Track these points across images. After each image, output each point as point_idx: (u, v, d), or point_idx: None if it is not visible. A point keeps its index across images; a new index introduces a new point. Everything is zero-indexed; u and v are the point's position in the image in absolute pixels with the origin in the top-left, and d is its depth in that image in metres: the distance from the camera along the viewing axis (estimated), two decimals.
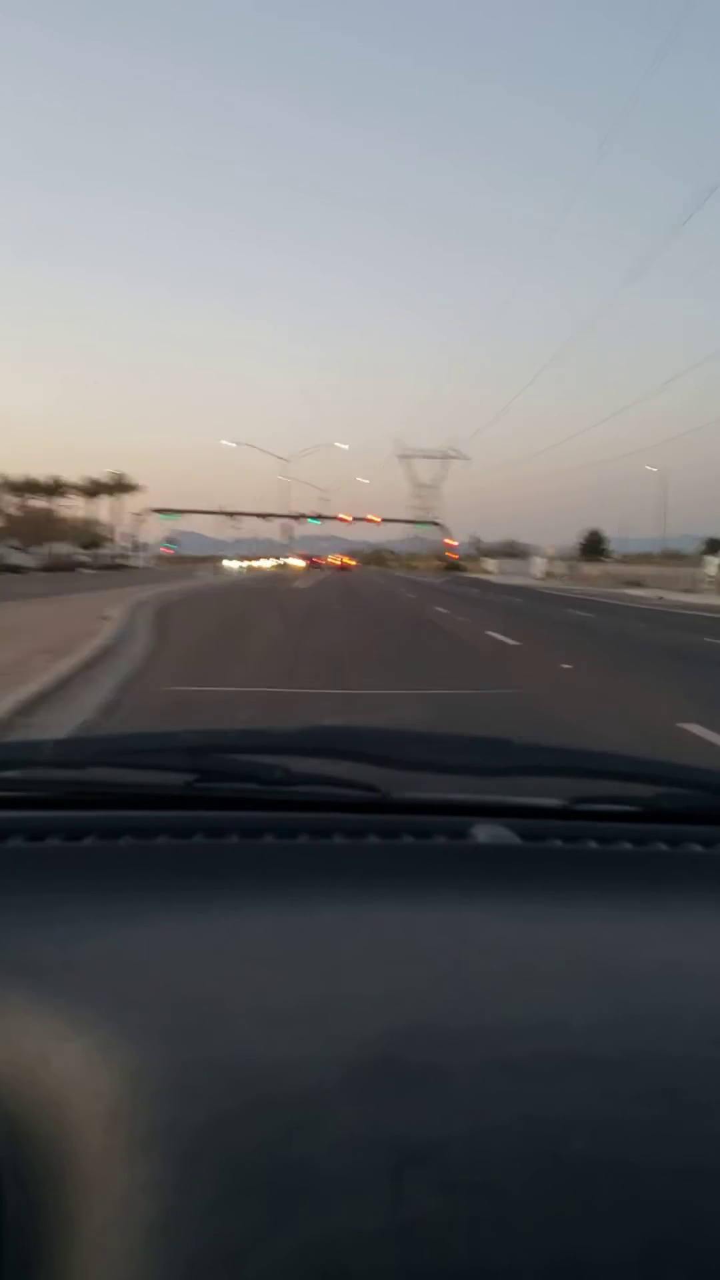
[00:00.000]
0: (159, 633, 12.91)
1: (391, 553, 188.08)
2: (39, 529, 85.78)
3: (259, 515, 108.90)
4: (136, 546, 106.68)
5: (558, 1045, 0.57)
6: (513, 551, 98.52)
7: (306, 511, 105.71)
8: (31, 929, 0.73)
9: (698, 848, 1.00)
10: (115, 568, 78.62)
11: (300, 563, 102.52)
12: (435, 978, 0.66)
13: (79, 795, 1.07)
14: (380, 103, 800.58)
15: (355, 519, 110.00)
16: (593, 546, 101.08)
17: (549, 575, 63.15)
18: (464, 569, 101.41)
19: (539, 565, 67.17)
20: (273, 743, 1.22)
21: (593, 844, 0.98)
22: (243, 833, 0.97)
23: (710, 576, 40.91)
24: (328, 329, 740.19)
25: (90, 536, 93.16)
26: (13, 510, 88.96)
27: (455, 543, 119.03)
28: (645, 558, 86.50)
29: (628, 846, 0.99)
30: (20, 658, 8.99)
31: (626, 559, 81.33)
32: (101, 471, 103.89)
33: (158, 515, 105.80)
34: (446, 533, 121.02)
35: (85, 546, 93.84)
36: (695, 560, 52.85)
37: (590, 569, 69.94)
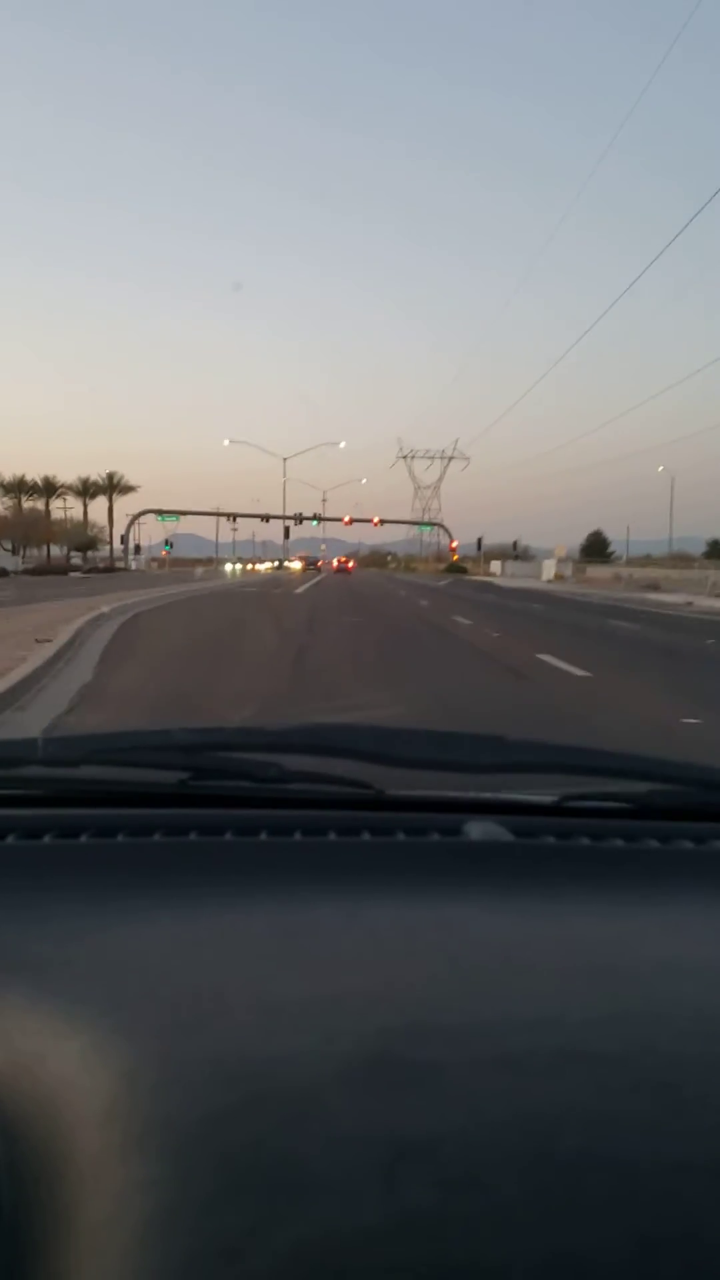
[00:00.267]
0: (106, 666, 9.75)
1: (390, 554, 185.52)
2: (29, 531, 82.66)
3: (258, 517, 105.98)
4: (135, 549, 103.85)
5: (551, 1041, 0.58)
6: (516, 554, 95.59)
7: (305, 513, 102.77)
8: (26, 927, 0.73)
9: (689, 844, 1.00)
10: (108, 571, 75.76)
11: (298, 565, 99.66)
12: (429, 974, 0.66)
13: (74, 793, 1.08)
14: (385, 108, 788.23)
15: (354, 520, 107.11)
16: (596, 548, 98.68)
17: (558, 578, 60.23)
18: (466, 571, 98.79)
19: (548, 568, 64.23)
20: (267, 740, 1.23)
21: (585, 841, 0.99)
22: (237, 830, 0.97)
23: None
24: (329, 332, 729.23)
25: (84, 538, 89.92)
26: (3, 510, 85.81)
27: (457, 544, 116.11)
28: (650, 560, 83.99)
29: (620, 843, 0.99)
30: None
31: (632, 561, 78.55)
32: (96, 472, 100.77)
33: (155, 517, 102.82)
34: (448, 534, 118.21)
35: (79, 549, 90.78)
36: (703, 562, 50.22)
37: (597, 571, 67.19)
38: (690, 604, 29.24)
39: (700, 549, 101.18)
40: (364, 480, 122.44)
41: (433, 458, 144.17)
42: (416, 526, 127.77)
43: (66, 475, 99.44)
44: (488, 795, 1.11)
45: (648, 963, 0.71)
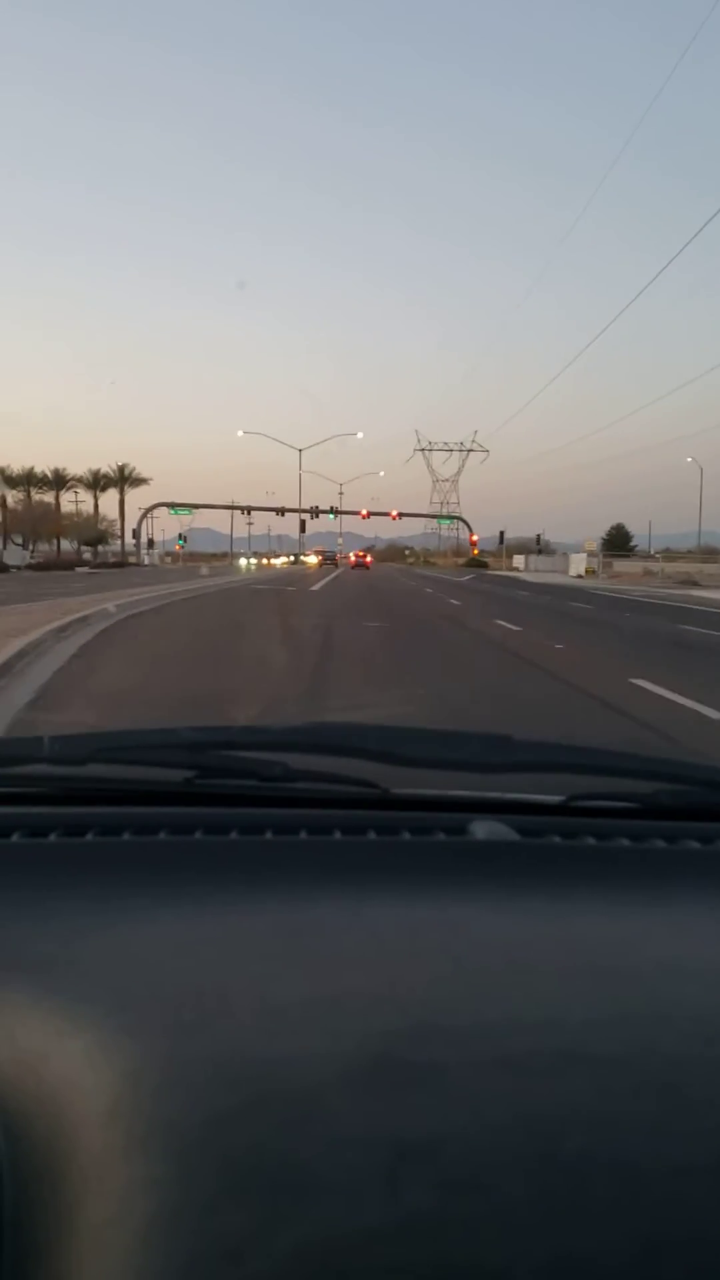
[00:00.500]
0: (52, 700, 7.06)
1: (408, 549, 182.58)
2: (37, 525, 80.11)
3: (273, 510, 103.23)
4: (148, 544, 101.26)
5: (555, 1042, 0.57)
6: (539, 548, 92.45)
7: (321, 507, 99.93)
8: (31, 925, 0.73)
9: (695, 844, 1.00)
10: (117, 566, 73.28)
11: (314, 559, 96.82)
12: (433, 975, 0.66)
13: (79, 791, 1.07)
14: (404, 104, 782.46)
15: (371, 514, 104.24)
16: (618, 542, 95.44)
17: (589, 573, 57.10)
18: (487, 565, 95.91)
19: (577, 562, 61.12)
20: (272, 739, 1.23)
21: (591, 840, 0.99)
22: (242, 829, 0.97)
23: None
24: (342, 326, 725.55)
25: (94, 533, 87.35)
26: (13, 504, 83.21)
27: (477, 538, 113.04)
28: (676, 554, 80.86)
29: (626, 843, 0.99)
30: None
31: (658, 555, 75.27)
32: (108, 464, 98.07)
33: (169, 510, 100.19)
34: (468, 528, 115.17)
35: (89, 543, 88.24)
36: None
37: (625, 566, 64.10)
38: None
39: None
40: (381, 473, 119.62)
41: (451, 450, 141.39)
42: (434, 520, 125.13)
43: (77, 468, 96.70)
44: (493, 795, 1.10)
45: (653, 963, 0.71)
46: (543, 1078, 0.54)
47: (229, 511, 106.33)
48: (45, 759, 1.09)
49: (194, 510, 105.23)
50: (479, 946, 0.72)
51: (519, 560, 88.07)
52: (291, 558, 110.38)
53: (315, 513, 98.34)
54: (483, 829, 0.99)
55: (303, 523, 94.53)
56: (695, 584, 42.34)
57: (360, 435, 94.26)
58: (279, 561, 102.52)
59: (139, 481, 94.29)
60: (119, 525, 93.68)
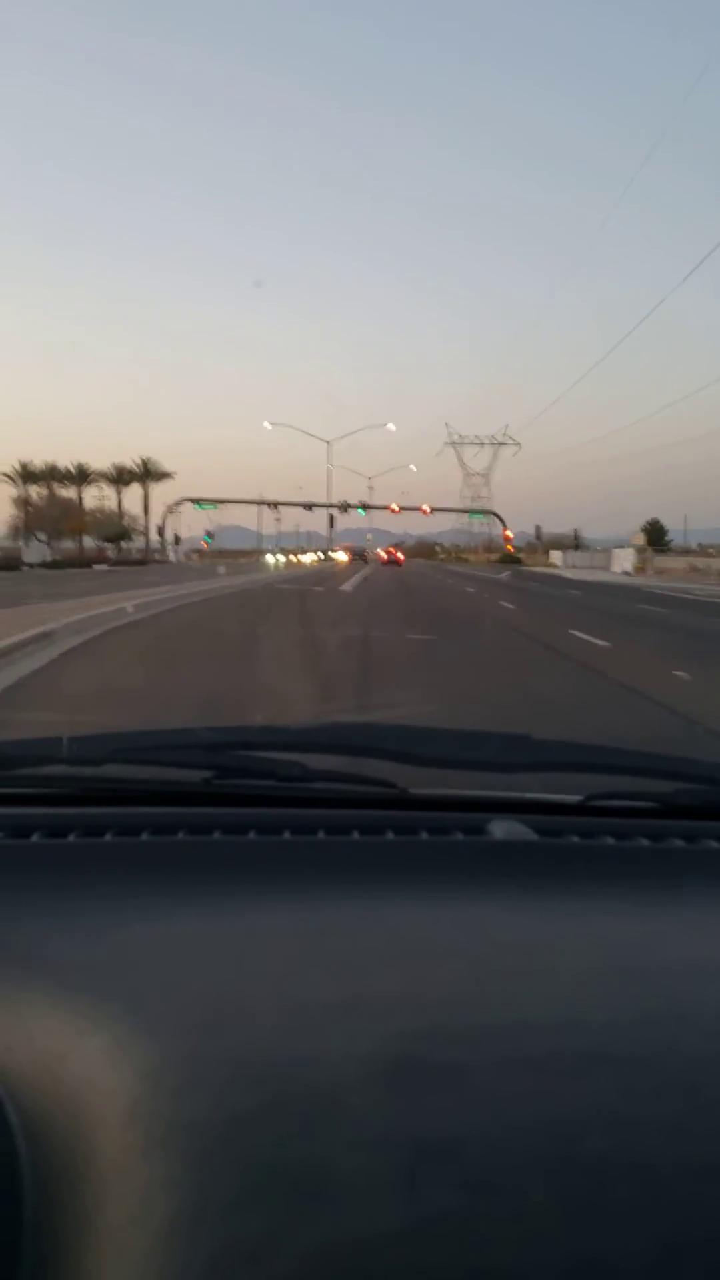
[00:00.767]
0: None
1: (438, 545, 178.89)
2: (56, 521, 77.52)
3: (301, 505, 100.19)
4: (174, 540, 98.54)
5: (575, 1043, 0.57)
6: (577, 543, 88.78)
7: (350, 502, 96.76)
8: (50, 925, 0.73)
9: (715, 844, 0.99)
10: (139, 563, 70.56)
11: (344, 556, 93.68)
12: (452, 975, 0.66)
13: (98, 792, 1.08)
14: (439, 103, 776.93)
15: (402, 509, 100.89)
16: (653, 537, 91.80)
17: (639, 569, 53.46)
18: (521, 561, 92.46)
19: (622, 558, 57.50)
20: (290, 740, 1.22)
21: (610, 840, 0.98)
22: (260, 829, 0.96)
23: None
24: (373, 322, 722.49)
25: (116, 529, 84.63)
26: (36, 499, 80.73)
27: (512, 534, 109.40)
28: (713, 548, 77.04)
29: (645, 843, 0.98)
30: None
31: (709, 550, 71.32)
32: (131, 458, 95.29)
33: (194, 506, 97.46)
34: (502, 522, 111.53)
35: (110, 540, 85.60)
36: None
37: (667, 562, 60.39)
38: None
39: None
40: (413, 467, 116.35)
41: (482, 443, 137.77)
42: (465, 515, 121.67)
43: (101, 464, 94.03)
44: (512, 795, 1.10)
45: (672, 963, 0.70)
46: (563, 1078, 0.53)
47: (257, 509, 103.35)
48: (64, 760, 1.08)
49: (220, 506, 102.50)
50: (498, 947, 0.71)
51: (556, 556, 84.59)
52: (320, 554, 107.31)
53: (344, 508, 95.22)
54: (501, 829, 0.99)
55: (331, 518, 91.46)
56: None
57: (391, 427, 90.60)
58: (307, 558, 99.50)
59: (162, 476, 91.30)
60: (142, 521, 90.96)
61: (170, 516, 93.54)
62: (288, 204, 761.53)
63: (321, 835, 0.96)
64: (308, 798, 1.06)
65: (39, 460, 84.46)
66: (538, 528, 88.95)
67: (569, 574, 54.93)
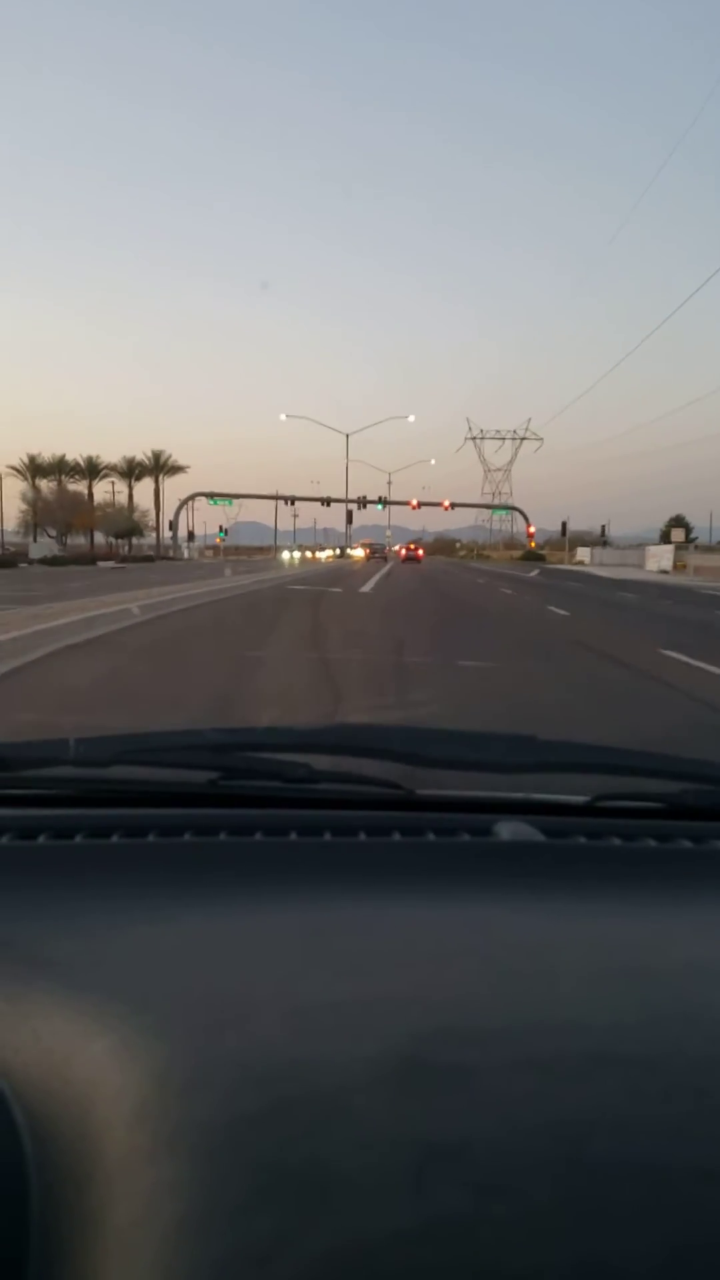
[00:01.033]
0: None
1: (457, 541, 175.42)
2: (62, 515, 74.61)
3: (318, 500, 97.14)
4: (188, 536, 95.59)
5: (582, 1044, 0.57)
6: (604, 540, 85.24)
7: (369, 497, 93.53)
8: (57, 926, 0.73)
9: None
10: (147, 560, 67.63)
11: (361, 553, 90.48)
12: (459, 976, 0.66)
13: (104, 793, 1.08)
14: (476, 108, 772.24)
15: (422, 504, 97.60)
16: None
17: (680, 567, 49.91)
18: (544, 559, 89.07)
19: (661, 555, 53.97)
20: (296, 740, 1.22)
21: (617, 841, 0.98)
22: (267, 830, 0.97)
23: None
24: (387, 319, 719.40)
25: (126, 524, 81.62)
26: (46, 494, 77.81)
27: (534, 529, 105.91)
28: None
29: (652, 844, 0.98)
30: None
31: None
32: (142, 451, 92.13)
33: (208, 501, 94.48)
34: (525, 518, 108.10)
35: (120, 535, 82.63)
36: None
37: (702, 560, 56.83)
38: None
39: None
40: (433, 461, 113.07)
41: (504, 438, 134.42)
42: (488, 511, 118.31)
43: (112, 457, 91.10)
44: (518, 795, 1.10)
45: (680, 965, 0.70)
46: (570, 1080, 0.53)
47: (274, 505, 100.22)
48: (70, 761, 1.08)
49: (234, 501, 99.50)
50: (505, 948, 0.71)
51: (584, 553, 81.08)
52: (337, 551, 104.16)
53: (363, 503, 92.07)
54: (508, 830, 0.99)
55: (349, 513, 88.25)
56: None
57: (412, 419, 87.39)
58: (324, 555, 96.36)
59: (175, 469, 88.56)
60: (153, 516, 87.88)
61: (185, 512, 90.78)
62: (304, 201, 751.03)
63: (328, 836, 0.96)
64: (314, 799, 1.07)
65: (48, 453, 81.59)
66: (564, 524, 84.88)
67: (603, 572, 51.55)
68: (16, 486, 78.26)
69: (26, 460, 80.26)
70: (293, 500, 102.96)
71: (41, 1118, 0.51)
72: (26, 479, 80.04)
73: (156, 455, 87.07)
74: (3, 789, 1.08)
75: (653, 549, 58.51)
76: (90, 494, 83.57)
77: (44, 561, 51.57)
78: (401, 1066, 0.53)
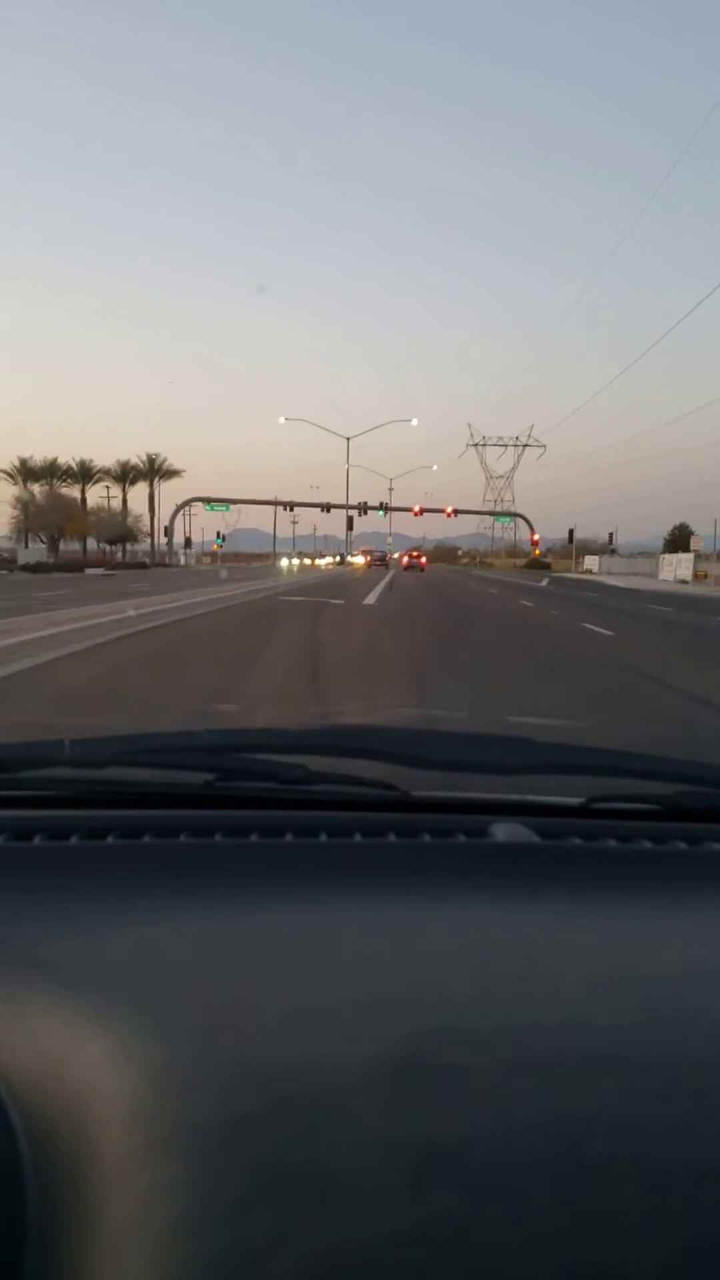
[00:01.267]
0: None
1: (459, 549, 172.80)
2: (54, 520, 71.92)
3: (318, 506, 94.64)
4: (185, 542, 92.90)
5: (579, 1045, 0.57)
6: (612, 548, 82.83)
7: (370, 503, 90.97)
8: (54, 927, 0.73)
9: (717, 846, 0.99)
10: (138, 567, 65.14)
11: (362, 560, 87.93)
12: (455, 977, 0.66)
13: (100, 794, 1.08)
14: (482, 114, 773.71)
15: (425, 510, 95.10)
16: (681, 542, 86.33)
17: (700, 577, 47.36)
18: (549, 567, 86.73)
19: (678, 564, 51.44)
20: (292, 742, 1.22)
21: (612, 843, 0.98)
22: (262, 831, 0.96)
23: None
24: (394, 324, 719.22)
25: (118, 529, 78.94)
26: (36, 499, 75.11)
27: (539, 537, 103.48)
28: None
29: (647, 845, 0.98)
30: None
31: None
32: (136, 455, 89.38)
33: (204, 506, 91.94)
34: (529, 526, 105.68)
35: (113, 541, 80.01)
36: None
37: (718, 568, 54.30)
38: None
39: None
40: (435, 467, 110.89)
41: (506, 445, 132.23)
42: (489, 518, 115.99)
43: (107, 460, 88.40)
44: (514, 797, 1.10)
45: (676, 966, 0.70)
46: (566, 1081, 0.53)
47: (273, 512, 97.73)
48: (66, 762, 1.08)
49: (231, 506, 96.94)
50: (501, 949, 0.71)
51: (592, 561, 78.70)
52: (337, 558, 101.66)
53: (363, 509, 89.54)
54: (503, 831, 0.99)
55: (350, 519, 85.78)
56: None
57: (415, 422, 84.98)
58: (324, 562, 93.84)
59: (171, 474, 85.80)
60: (148, 521, 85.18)
61: (181, 518, 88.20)
62: (302, 206, 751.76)
63: (324, 837, 0.96)
64: (310, 800, 1.06)
65: (45, 458, 78.95)
66: (570, 531, 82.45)
67: (617, 582, 49.10)
68: (11, 491, 75.36)
69: (18, 464, 77.71)
70: (291, 506, 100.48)
71: (38, 1119, 0.51)
72: (18, 483, 77.46)
73: (151, 459, 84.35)
74: None
75: (668, 557, 56.09)
76: (83, 499, 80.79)
77: (27, 568, 49.01)
78: (398, 1067, 0.53)
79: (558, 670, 9.49)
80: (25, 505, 73.11)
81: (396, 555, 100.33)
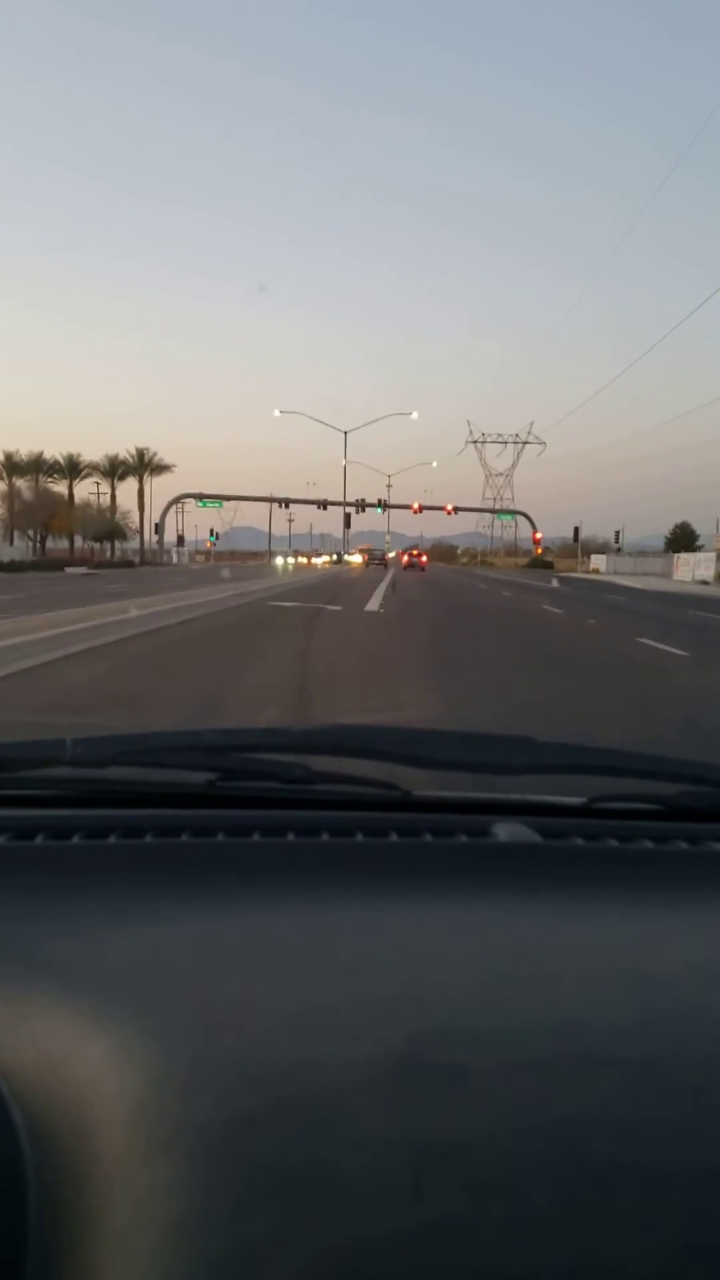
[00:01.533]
0: None
1: (457, 547, 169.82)
2: (39, 516, 68.69)
3: (314, 503, 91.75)
4: (178, 540, 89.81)
5: (580, 1045, 0.57)
6: (617, 546, 80.00)
7: (368, 500, 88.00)
8: (55, 927, 0.73)
9: (719, 846, 0.99)
10: (125, 566, 62.13)
11: (359, 558, 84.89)
12: (456, 977, 0.66)
13: (102, 794, 1.08)
14: (461, 112, 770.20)
15: (424, 508, 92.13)
16: (683, 541, 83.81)
17: None
18: (552, 566, 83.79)
19: (695, 564, 48.50)
20: (294, 741, 1.22)
21: (613, 843, 0.98)
22: (264, 831, 0.96)
23: None
24: (394, 323, 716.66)
25: (104, 526, 75.68)
26: (21, 493, 71.83)
27: (541, 536, 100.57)
28: None
29: (649, 845, 0.98)
30: None
31: None
32: (125, 449, 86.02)
33: (197, 503, 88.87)
34: (532, 524, 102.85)
35: (99, 538, 76.79)
36: None
37: None
38: None
39: None
40: (434, 463, 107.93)
41: (506, 442, 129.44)
42: (488, 517, 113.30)
43: (95, 455, 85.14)
44: (515, 797, 1.10)
45: (677, 966, 0.70)
46: (568, 1081, 0.53)
47: (268, 509, 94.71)
48: (68, 761, 1.07)
49: (226, 504, 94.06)
50: (502, 949, 0.71)
51: (600, 561, 75.74)
52: (334, 556, 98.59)
53: (361, 506, 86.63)
54: (505, 831, 0.99)
55: (347, 517, 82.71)
56: None
57: (415, 415, 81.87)
58: (320, 560, 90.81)
59: (161, 469, 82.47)
60: (137, 518, 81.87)
61: (174, 515, 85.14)
62: (302, 206, 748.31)
63: (325, 837, 0.95)
64: (311, 800, 1.06)
65: (23, 450, 75.62)
66: (576, 529, 79.69)
67: (629, 581, 46.21)
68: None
69: (2, 458, 74.46)
70: (287, 503, 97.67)
71: (40, 1117, 0.51)
72: (2, 478, 74.22)
73: (141, 453, 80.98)
74: (0, 789, 1.07)
75: (684, 556, 53.23)
76: (70, 494, 77.64)
77: (0, 567, 45.93)
78: (399, 1067, 0.53)
79: (656, 713, 6.45)
80: (11, 501, 69.90)
81: (394, 554, 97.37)
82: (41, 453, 76.40)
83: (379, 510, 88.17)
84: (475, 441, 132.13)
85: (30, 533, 70.50)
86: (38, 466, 76.44)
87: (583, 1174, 0.46)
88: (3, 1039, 0.57)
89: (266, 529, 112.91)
